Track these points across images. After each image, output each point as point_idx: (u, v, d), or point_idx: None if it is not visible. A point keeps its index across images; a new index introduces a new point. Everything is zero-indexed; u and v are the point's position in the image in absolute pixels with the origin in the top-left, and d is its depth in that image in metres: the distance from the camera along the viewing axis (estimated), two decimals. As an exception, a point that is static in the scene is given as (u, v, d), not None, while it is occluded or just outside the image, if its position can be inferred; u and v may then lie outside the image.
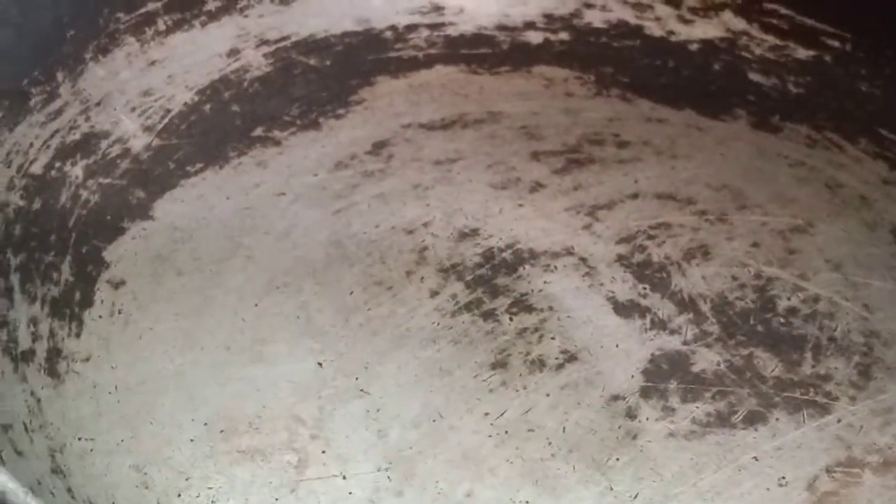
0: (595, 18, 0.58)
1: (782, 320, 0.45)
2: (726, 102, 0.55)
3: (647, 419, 0.41)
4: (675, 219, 0.49)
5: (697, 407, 0.42)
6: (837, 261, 0.47)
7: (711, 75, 0.57)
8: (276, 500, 0.38)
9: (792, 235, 0.48)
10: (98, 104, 0.50)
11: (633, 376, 0.43)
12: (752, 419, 0.41)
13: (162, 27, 0.53)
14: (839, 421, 0.41)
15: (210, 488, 0.38)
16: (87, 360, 0.42)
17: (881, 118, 0.54)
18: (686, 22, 0.58)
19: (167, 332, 0.44)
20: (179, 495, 0.38)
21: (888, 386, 0.43)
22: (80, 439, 0.40)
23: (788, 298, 0.46)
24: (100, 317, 0.44)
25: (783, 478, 0.39)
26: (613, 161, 0.52)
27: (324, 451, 0.40)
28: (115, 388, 0.41)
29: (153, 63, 0.52)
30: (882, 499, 0.39)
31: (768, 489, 0.39)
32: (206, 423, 0.40)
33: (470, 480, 0.39)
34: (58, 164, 0.47)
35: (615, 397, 0.42)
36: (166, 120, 0.51)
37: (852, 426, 0.41)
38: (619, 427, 0.41)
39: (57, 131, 0.48)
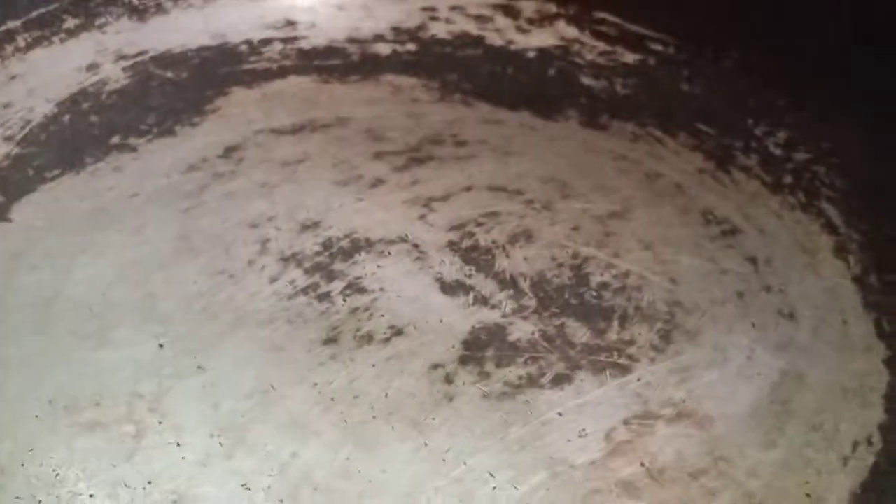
0: (440, 30, 0.63)
1: (594, 294, 0.49)
2: (560, 104, 0.59)
3: (463, 383, 0.45)
4: (503, 207, 0.53)
5: (510, 371, 0.45)
6: (649, 241, 0.51)
7: (547, 80, 0.61)
8: (114, 466, 0.41)
9: (610, 220, 0.52)
10: (-42, 115, 0.53)
11: (453, 346, 0.46)
12: (559, 380, 0.45)
13: (22, 43, 0.56)
14: (639, 380, 0.45)
15: (52, 458, 0.41)
16: (-60, 348, 0.45)
17: (700, 114, 0.58)
18: (524, 32, 0.63)
19: (17, 322, 0.46)
20: (23, 465, 0.41)
21: (686, 348, 0.47)
22: (-72, 418, 0.42)
23: (601, 275, 0.50)
24: (-47, 309, 0.47)
25: (583, 430, 0.43)
26: (451, 158, 0.56)
27: (160, 423, 0.43)
28: (-34, 372, 0.44)
29: (14, 77, 0.55)
30: (672, 445, 0.43)
31: (569, 440, 0.43)
32: (50, 401, 0.43)
33: (296, 443, 0.42)
34: (-84, 171, 0.50)
35: (435, 366, 0.45)
36: (26, 130, 0.54)
37: (650, 384, 0.45)
38: (438, 391, 0.44)
39: (-84, 140, 0.51)
